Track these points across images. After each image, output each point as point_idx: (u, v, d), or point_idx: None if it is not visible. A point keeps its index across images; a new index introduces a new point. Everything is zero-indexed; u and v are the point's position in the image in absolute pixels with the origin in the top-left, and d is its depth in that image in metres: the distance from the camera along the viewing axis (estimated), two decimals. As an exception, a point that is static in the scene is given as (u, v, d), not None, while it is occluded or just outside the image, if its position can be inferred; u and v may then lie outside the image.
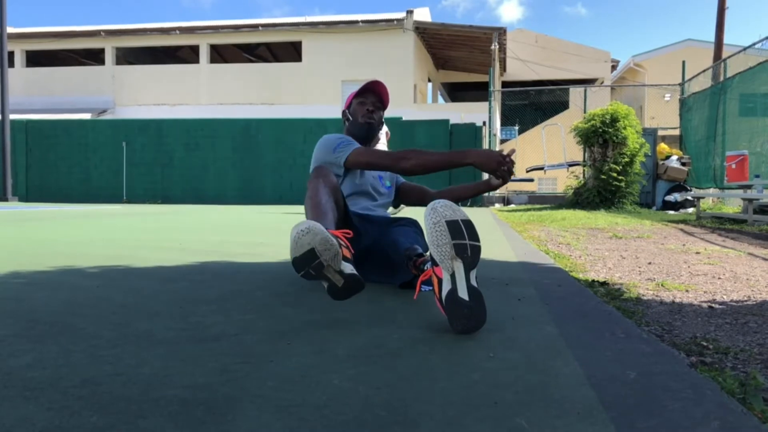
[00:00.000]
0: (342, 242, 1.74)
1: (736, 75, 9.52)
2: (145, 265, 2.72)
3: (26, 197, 15.42)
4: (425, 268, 1.83)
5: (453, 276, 1.50)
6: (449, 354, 1.30)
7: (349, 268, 1.69)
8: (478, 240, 1.55)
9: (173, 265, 2.74)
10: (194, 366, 1.18)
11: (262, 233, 4.78)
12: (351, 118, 2.47)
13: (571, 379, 1.12)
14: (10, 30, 18.93)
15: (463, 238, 1.52)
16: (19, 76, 22.36)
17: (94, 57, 24.18)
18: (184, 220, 6.76)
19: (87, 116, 19.96)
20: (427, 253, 1.95)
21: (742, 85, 9.27)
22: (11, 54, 21.61)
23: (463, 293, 1.47)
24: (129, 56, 24.11)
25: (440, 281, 1.54)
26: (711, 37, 16.36)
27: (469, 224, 1.55)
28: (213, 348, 1.32)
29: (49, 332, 1.45)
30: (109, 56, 23.01)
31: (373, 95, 2.46)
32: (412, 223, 2.38)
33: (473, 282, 1.51)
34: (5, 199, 14.23)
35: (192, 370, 1.15)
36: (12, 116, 14.97)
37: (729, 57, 10.30)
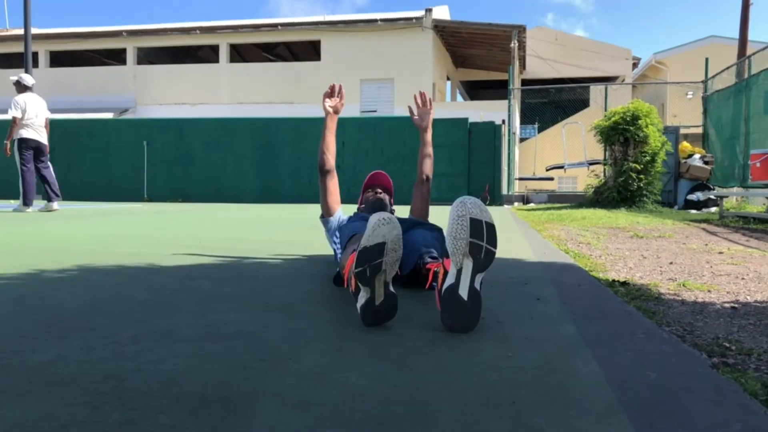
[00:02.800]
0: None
1: (761, 72, 9.36)
2: (166, 263, 2.75)
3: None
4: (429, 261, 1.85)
5: (459, 272, 1.49)
6: (467, 353, 1.29)
7: (392, 286, 1.65)
8: (495, 246, 1.53)
9: (193, 263, 2.77)
10: (214, 363, 1.19)
11: (281, 231, 4.80)
12: (364, 204, 2.76)
13: (591, 380, 1.11)
14: (34, 31, 19.21)
15: (482, 239, 1.51)
16: (43, 76, 22.68)
17: (116, 57, 24.47)
18: (204, 218, 6.82)
19: (109, 116, 20.20)
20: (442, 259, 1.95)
21: (767, 82, 9.11)
22: (35, 54, 21.96)
23: (463, 292, 1.47)
24: (150, 56, 24.36)
25: (446, 273, 1.54)
26: (735, 33, 16.12)
27: (491, 228, 1.54)
28: (232, 345, 1.33)
29: (72, 329, 1.47)
30: (131, 56, 23.26)
31: (378, 186, 2.82)
32: (437, 229, 2.38)
33: (477, 284, 1.50)
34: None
35: (211, 367, 1.16)
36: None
37: (754, 54, 10.13)
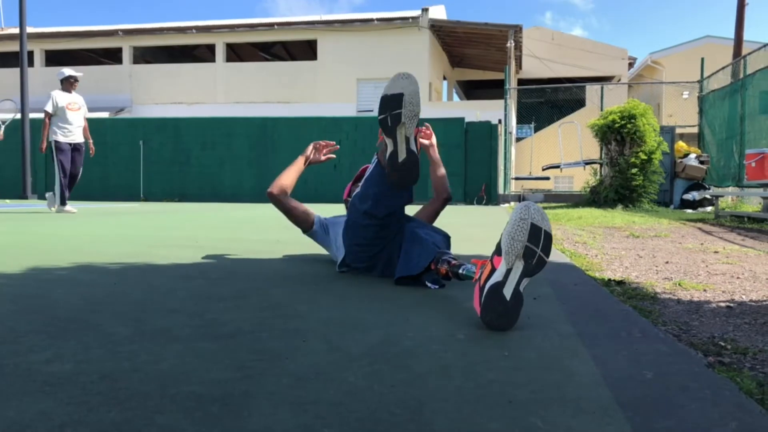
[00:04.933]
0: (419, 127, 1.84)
1: (756, 72, 9.38)
2: (162, 263, 2.74)
3: (45, 195, 15.60)
4: (460, 270, 1.87)
5: (509, 272, 1.52)
6: (464, 353, 1.29)
7: (414, 145, 1.84)
8: (548, 255, 1.55)
9: (189, 263, 2.76)
10: (210, 363, 1.19)
11: (278, 231, 4.80)
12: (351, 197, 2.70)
13: (587, 379, 1.11)
14: (30, 30, 19.18)
15: (537, 246, 1.52)
16: (38, 75, 22.61)
17: (112, 56, 24.41)
18: (201, 218, 6.81)
19: (105, 115, 20.14)
20: (456, 262, 1.97)
21: (762, 82, 9.13)
22: (31, 54, 21.86)
23: (507, 291, 1.49)
24: (146, 55, 24.31)
25: (492, 271, 1.55)
26: (730, 33, 16.17)
27: (548, 237, 1.55)
28: (229, 345, 1.33)
29: (68, 328, 1.46)
30: (127, 55, 23.21)
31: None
32: (444, 235, 2.37)
33: (521, 288, 1.51)
34: (25, 197, 14.42)
35: (208, 367, 1.16)
36: (31, 115, 15.14)
37: (749, 54, 10.15)
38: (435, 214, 2.80)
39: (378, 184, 2.19)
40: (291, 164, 2.75)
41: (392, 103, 1.85)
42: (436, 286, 2.10)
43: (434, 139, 2.78)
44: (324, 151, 2.83)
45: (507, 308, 1.48)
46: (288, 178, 2.71)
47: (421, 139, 2.75)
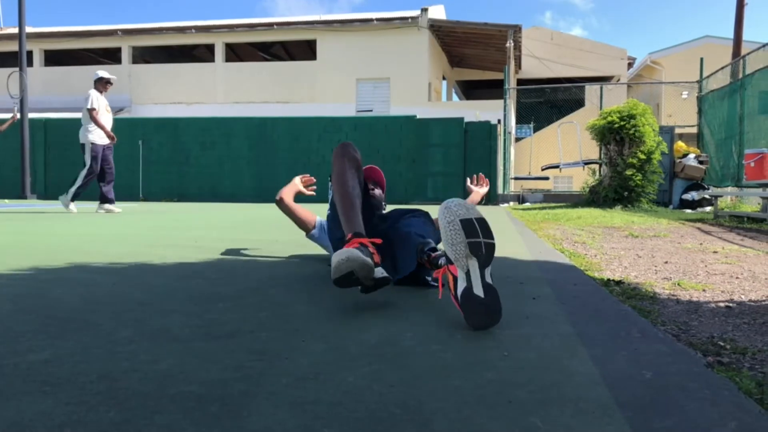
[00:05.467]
0: (371, 251, 1.79)
1: (755, 72, 9.39)
2: (161, 263, 2.74)
3: (45, 195, 15.59)
4: (440, 263, 1.84)
5: (468, 274, 1.51)
6: (463, 352, 1.29)
7: (380, 272, 1.76)
8: (492, 237, 1.56)
9: (188, 263, 2.76)
10: (209, 363, 1.19)
11: (277, 231, 4.79)
12: None
13: (586, 379, 1.11)
14: (28, 30, 19.17)
15: (477, 236, 1.53)
16: (37, 75, 22.60)
17: (111, 56, 24.39)
18: (200, 218, 6.81)
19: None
20: (441, 248, 1.96)
21: (762, 82, 9.14)
22: (30, 53, 21.86)
23: (478, 290, 1.49)
24: (145, 55, 24.30)
25: (455, 279, 1.55)
26: (730, 33, 16.18)
27: (483, 222, 1.56)
28: (228, 345, 1.33)
29: (67, 328, 1.46)
30: (126, 55, 23.19)
31: (369, 181, 2.68)
32: (423, 214, 2.39)
33: (488, 279, 1.52)
34: (24, 197, 14.41)
35: (207, 367, 1.16)
36: (31, 115, 15.14)
37: (748, 54, 10.16)
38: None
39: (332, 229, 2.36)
40: (289, 185, 3.06)
41: (347, 280, 1.73)
42: (435, 284, 2.10)
43: (481, 196, 3.10)
44: (308, 186, 3.13)
45: (486, 305, 1.48)
46: (291, 190, 3.02)
47: (469, 188, 3.12)
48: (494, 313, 1.49)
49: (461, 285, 1.52)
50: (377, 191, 2.70)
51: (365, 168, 2.70)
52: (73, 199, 7.89)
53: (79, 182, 7.95)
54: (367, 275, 1.73)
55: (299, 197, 3.04)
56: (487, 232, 1.56)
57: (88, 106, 7.91)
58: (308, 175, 3.14)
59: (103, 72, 8.18)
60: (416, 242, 2.07)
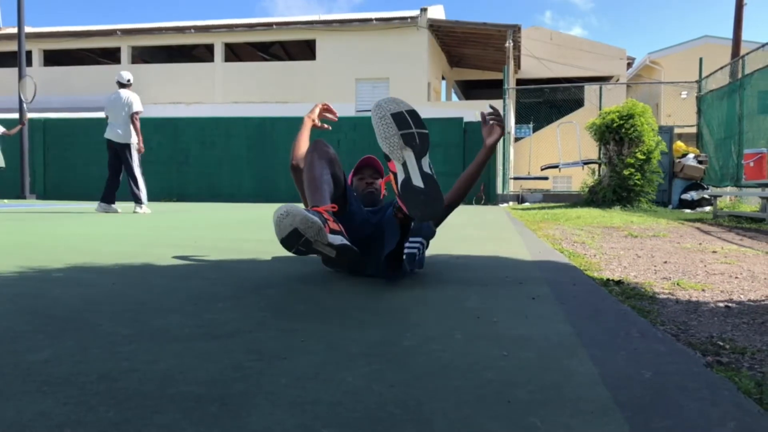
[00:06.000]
0: (325, 217, 1.80)
1: (754, 72, 9.39)
2: (161, 263, 2.74)
3: (44, 195, 15.58)
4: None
5: (405, 165, 1.55)
6: (462, 352, 1.29)
7: (338, 239, 1.76)
8: (425, 128, 1.60)
9: (188, 263, 2.76)
10: (209, 362, 1.19)
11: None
12: (354, 193, 2.61)
13: (586, 379, 1.11)
14: (28, 30, 19.15)
15: (410, 127, 1.57)
16: (36, 75, 22.49)
17: (111, 56, 24.38)
18: (199, 218, 6.81)
19: (103, 115, 20.14)
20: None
21: (761, 82, 9.15)
22: (29, 53, 21.85)
23: (417, 181, 1.52)
24: (145, 55, 24.29)
25: (396, 176, 1.58)
26: (729, 33, 16.19)
27: (413, 114, 1.60)
28: (227, 345, 1.33)
29: (66, 328, 1.46)
30: (125, 55, 23.18)
31: (369, 169, 2.65)
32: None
33: (426, 169, 1.54)
34: (23, 197, 14.40)
35: (206, 367, 1.16)
36: (30, 115, 15.11)
37: (747, 54, 10.16)
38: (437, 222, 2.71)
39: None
40: (300, 130, 2.69)
41: (293, 239, 1.79)
42: (412, 269, 2.13)
43: (497, 136, 2.53)
44: (326, 116, 2.78)
45: (426, 193, 1.51)
46: (302, 144, 2.61)
47: (484, 129, 2.56)
48: (435, 202, 1.52)
49: (400, 177, 1.55)
50: (377, 183, 2.65)
51: (365, 158, 2.68)
52: (141, 200, 7.84)
53: (141, 183, 7.91)
54: (316, 237, 1.71)
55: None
56: (419, 123, 1.60)
57: (136, 109, 7.89)
58: (329, 104, 2.79)
59: (123, 73, 8.15)
60: (392, 213, 2.07)
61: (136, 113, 7.90)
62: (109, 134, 7.88)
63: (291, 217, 1.72)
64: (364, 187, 2.61)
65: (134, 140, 7.90)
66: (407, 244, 2.11)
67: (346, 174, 2.33)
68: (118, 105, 7.86)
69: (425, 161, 1.55)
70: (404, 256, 2.10)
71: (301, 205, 1.76)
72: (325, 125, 2.81)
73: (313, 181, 2.07)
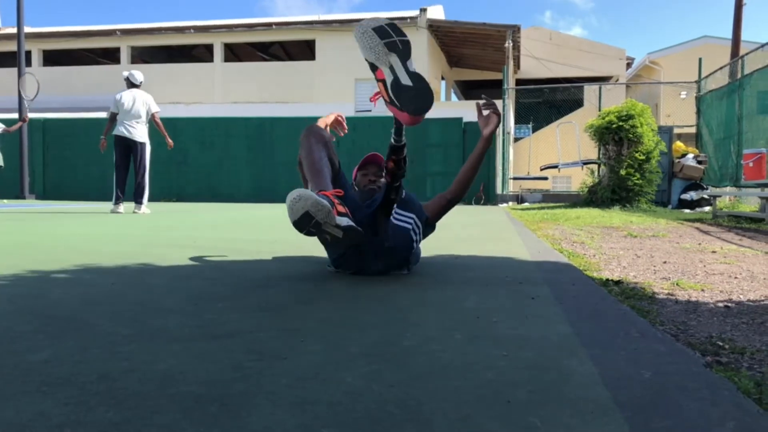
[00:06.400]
0: (333, 201, 1.91)
1: (754, 72, 9.40)
2: (160, 263, 2.74)
3: (43, 195, 15.58)
4: (392, 139, 1.99)
5: (392, 68, 1.68)
6: (462, 352, 1.29)
7: (345, 221, 1.89)
8: (405, 36, 1.72)
9: (187, 263, 2.76)
10: (208, 363, 1.19)
11: (276, 231, 4.79)
12: (357, 188, 2.65)
13: (585, 379, 1.12)
14: (27, 30, 19.12)
15: (391, 36, 1.76)
16: (36, 75, 22.55)
17: (110, 56, 24.37)
18: (198, 218, 6.81)
19: (103, 115, 20.11)
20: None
21: (760, 82, 9.15)
22: (28, 53, 21.84)
23: (405, 80, 1.66)
24: (144, 55, 24.28)
25: (384, 83, 1.68)
26: (728, 33, 16.20)
27: (393, 26, 1.84)
28: (227, 345, 1.33)
29: (66, 328, 1.46)
30: (125, 55, 23.17)
31: (373, 166, 2.66)
32: (410, 195, 2.47)
33: (412, 68, 1.65)
34: (23, 197, 14.40)
35: (206, 367, 1.16)
36: (29, 115, 15.10)
37: (747, 54, 10.17)
38: (436, 215, 2.61)
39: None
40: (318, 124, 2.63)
41: (305, 222, 1.86)
42: (406, 272, 2.27)
43: (494, 126, 2.57)
44: (336, 127, 2.88)
45: (416, 89, 1.64)
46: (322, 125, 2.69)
47: (481, 119, 2.60)
48: (426, 95, 1.65)
49: (389, 80, 1.67)
50: (381, 181, 2.60)
51: (371, 154, 2.70)
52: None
53: (147, 184, 7.91)
54: (326, 219, 1.83)
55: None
56: (399, 32, 1.71)
57: (156, 110, 7.96)
58: (343, 116, 2.85)
59: (135, 73, 8.14)
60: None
61: (157, 113, 7.94)
62: (125, 133, 7.84)
63: (303, 201, 1.84)
64: (366, 183, 2.62)
65: (148, 140, 8.00)
66: (396, 215, 2.18)
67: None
68: (137, 104, 7.87)
69: (410, 63, 1.69)
70: (396, 227, 2.17)
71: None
72: (339, 133, 2.90)
73: (314, 165, 2.17)
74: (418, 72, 1.67)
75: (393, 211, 2.27)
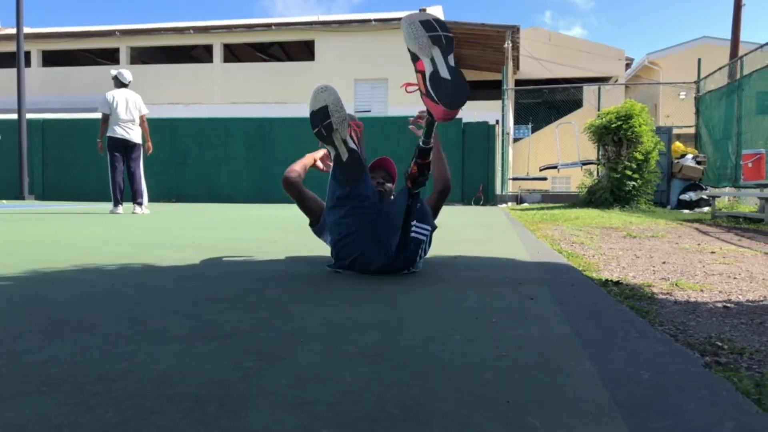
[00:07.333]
0: (352, 125, 2.08)
1: (753, 72, 9.41)
2: (159, 263, 2.74)
3: (42, 196, 15.57)
4: (420, 142, 2.03)
5: (433, 60, 1.75)
6: (461, 352, 1.29)
7: (352, 143, 2.07)
8: (448, 30, 1.77)
9: (187, 263, 2.76)
10: (208, 363, 1.19)
11: (275, 231, 4.79)
12: None
13: (585, 379, 1.12)
14: (26, 30, 19.12)
15: (437, 30, 1.84)
16: (35, 75, 22.57)
17: (109, 57, 24.36)
18: (198, 218, 6.80)
19: (100, 114, 20.11)
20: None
21: (759, 82, 9.16)
22: (28, 54, 21.83)
23: (444, 73, 1.71)
24: (143, 56, 24.27)
25: (423, 74, 1.72)
26: (727, 34, 16.21)
27: (438, 21, 1.78)
28: (226, 345, 1.33)
29: (65, 329, 1.46)
30: (124, 56, 23.15)
31: (381, 170, 2.71)
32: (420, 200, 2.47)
33: (452, 63, 1.69)
34: (22, 198, 14.39)
35: (205, 367, 1.16)
36: (28, 115, 15.11)
37: (746, 54, 10.18)
38: (434, 211, 2.69)
39: (333, 186, 2.35)
40: (301, 159, 2.77)
41: (320, 117, 2.11)
42: (417, 270, 2.28)
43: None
44: (328, 163, 2.81)
45: (454, 83, 1.70)
46: (301, 166, 2.71)
47: (413, 124, 2.68)
48: (462, 89, 1.74)
49: (428, 71, 1.71)
50: (388, 185, 2.65)
51: (380, 159, 2.73)
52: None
53: (144, 183, 7.91)
54: (339, 126, 2.01)
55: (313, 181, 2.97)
56: (444, 27, 1.76)
57: (146, 111, 7.95)
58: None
59: (125, 72, 8.09)
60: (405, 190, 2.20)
61: (145, 114, 7.92)
62: (123, 134, 7.78)
63: (327, 93, 2.01)
64: (374, 186, 2.59)
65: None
66: (415, 228, 2.18)
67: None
68: (129, 105, 7.82)
69: (451, 58, 1.72)
70: (411, 239, 2.18)
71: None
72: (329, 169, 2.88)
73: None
74: (457, 68, 1.71)
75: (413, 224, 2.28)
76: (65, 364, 1.17)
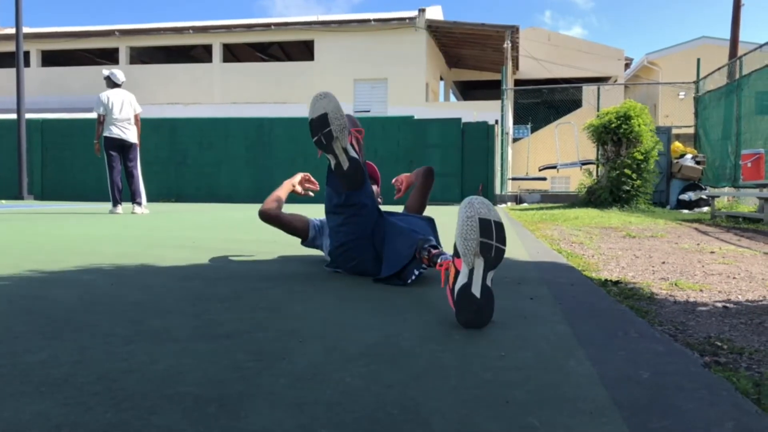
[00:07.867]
0: (352, 132, 2.05)
1: (752, 72, 9.41)
2: (159, 263, 2.74)
3: (41, 195, 15.57)
4: (438, 260, 1.83)
5: (471, 272, 1.51)
6: (461, 353, 1.29)
7: (353, 152, 2.03)
8: (504, 244, 1.54)
9: (186, 263, 2.76)
10: (207, 363, 1.19)
11: (274, 231, 4.79)
12: None
13: (584, 379, 1.12)
14: (25, 30, 19.10)
15: (491, 238, 1.52)
16: (34, 75, 22.56)
17: (109, 56, 24.35)
18: (197, 218, 6.80)
19: (95, 114, 20.10)
20: (442, 248, 1.99)
21: (758, 82, 9.16)
22: (27, 54, 21.82)
23: (476, 290, 1.50)
24: (143, 56, 24.26)
25: (457, 273, 1.56)
26: (726, 34, 16.21)
27: (500, 227, 1.54)
28: (226, 345, 1.33)
29: (65, 329, 1.46)
30: (123, 56, 23.15)
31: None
32: (428, 219, 2.43)
33: (488, 282, 1.52)
34: (21, 198, 14.38)
35: (205, 367, 1.16)
36: (27, 115, 15.10)
37: (745, 54, 10.18)
38: (423, 198, 2.82)
39: (329, 193, 2.34)
40: (278, 188, 2.84)
41: (320, 125, 2.07)
42: (419, 272, 2.13)
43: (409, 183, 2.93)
44: (306, 186, 2.93)
45: (479, 306, 1.49)
46: (276, 197, 2.78)
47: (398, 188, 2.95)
48: (485, 316, 1.50)
49: (461, 281, 1.52)
50: (374, 187, 2.67)
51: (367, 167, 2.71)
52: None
53: (142, 183, 7.90)
54: (339, 134, 1.99)
55: (298, 198, 2.99)
56: (501, 238, 1.54)
57: (140, 110, 7.93)
58: (310, 175, 2.97)
59: (117, 72, 8.07)
60: (417, 238, 2.09)
61: (139, 114, 7.91)
62: (121, 134, 7.75)
63: (327, 100, 1.96)
64: (374, 192, 2.63)
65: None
66: (416, 272, 2.13)
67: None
68: (125, 105, 7.80)
69: (490, 275, 1.53)
70: (410, 276, 2.12)
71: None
72: (310, 193, 2.94)
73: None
74: (491, 289, 1.53)
75: None
76: (65, 365, 1.17)
